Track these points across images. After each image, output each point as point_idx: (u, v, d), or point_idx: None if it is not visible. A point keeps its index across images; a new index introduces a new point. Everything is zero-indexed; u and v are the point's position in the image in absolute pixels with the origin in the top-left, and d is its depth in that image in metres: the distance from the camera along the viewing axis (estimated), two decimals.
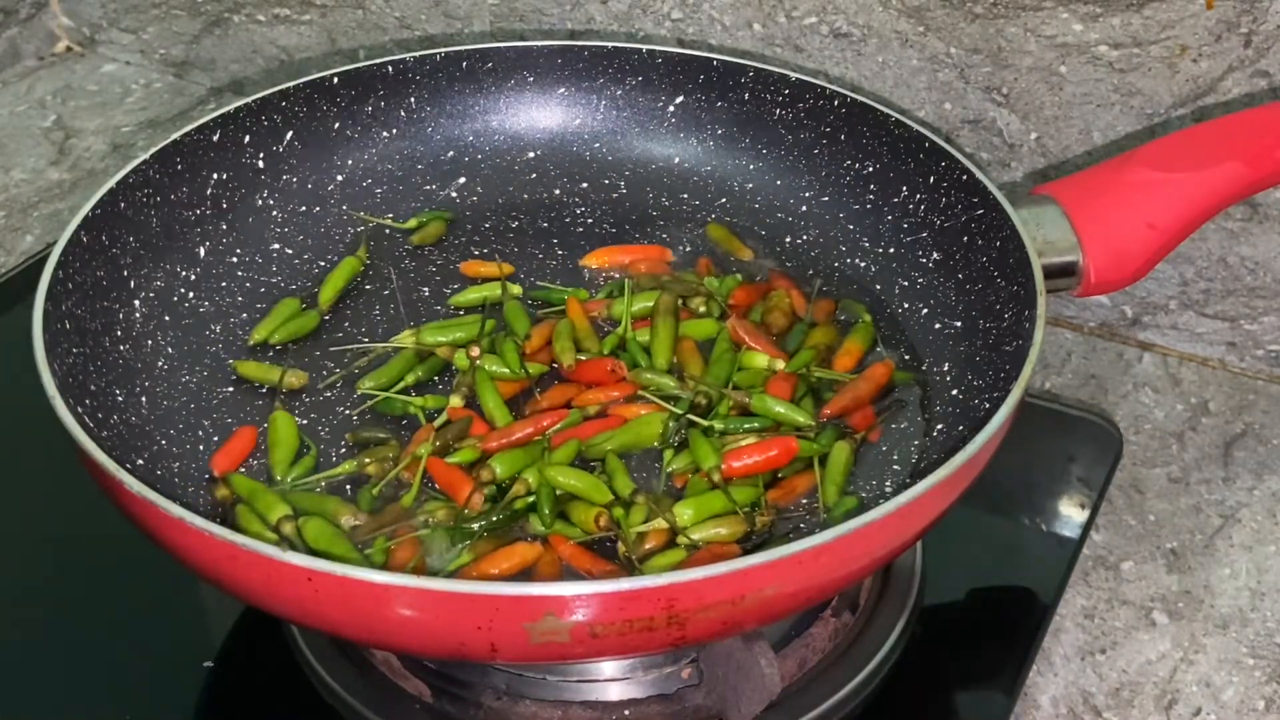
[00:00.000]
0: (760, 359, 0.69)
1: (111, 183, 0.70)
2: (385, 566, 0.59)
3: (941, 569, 0.71)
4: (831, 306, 0.74)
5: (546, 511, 0.61)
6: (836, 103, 0.79)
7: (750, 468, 0.64)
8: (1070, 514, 0.75)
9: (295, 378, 0.70)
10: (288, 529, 0.60)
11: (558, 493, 0.62)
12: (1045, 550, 0.73)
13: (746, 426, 0.65)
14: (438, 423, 0.66)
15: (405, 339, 0.71)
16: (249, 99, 0.78)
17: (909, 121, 0.76)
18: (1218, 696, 0.66)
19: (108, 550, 0.71)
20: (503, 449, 0.64)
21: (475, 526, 0.60)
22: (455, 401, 0.67)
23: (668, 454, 0.65)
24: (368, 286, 0.77)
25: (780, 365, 0.69)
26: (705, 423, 0.65)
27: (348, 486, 0.64)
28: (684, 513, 0.61)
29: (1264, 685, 0.67)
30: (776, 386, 0.67)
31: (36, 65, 1.20)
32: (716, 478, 0.62)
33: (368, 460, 0.64)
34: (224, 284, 0.75)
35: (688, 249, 0.79)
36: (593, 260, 0.78)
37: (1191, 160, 0.70)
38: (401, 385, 0.69)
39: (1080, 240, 0.68)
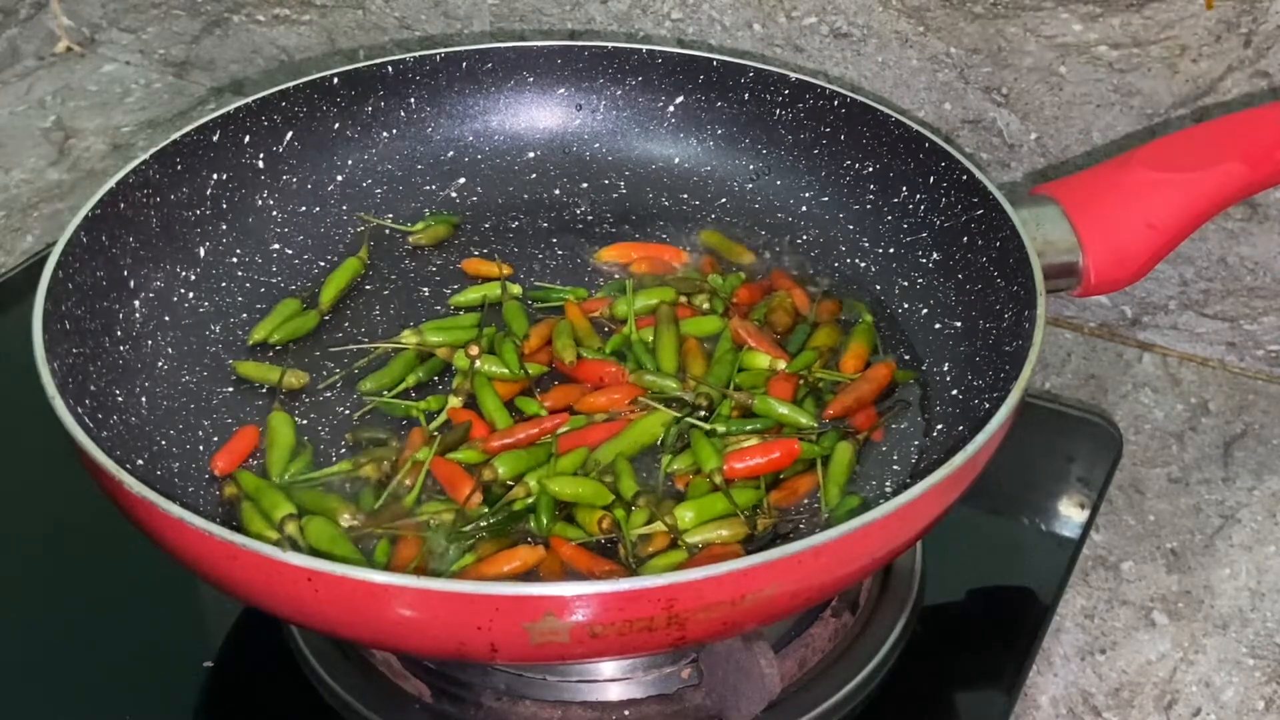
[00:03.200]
0: (762, 359, 0.69)
1: (111, 183, 0.70)
2: (387, 567, 0.59)
3: (941, 569, 0.71)
4: (835, 307, 0.74)
5: (545, 519, 0.61)
6: (836, 103, 0.79)
7: (752, 469, 0.64)
8: (1070, 514, 0.75)
9: (295, 378, 0.70)
10: (290, 528, 0.60)
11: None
12: (1045, 550, 0.73)
13: (749, 428, 0.65)
14: (435, 425, 0.66)
15: (406, 339, 0.71)
16: (249, 99, 0.78)
17: (909, 121, 0.76)
18: (1217, 697, 0.66)
19: (107, 550, 0.71)
20: (505, 449, 0.64)
21: (474, 528, 0.60)
22: (454, 402, 0.67)
23: (666, 456, 0.65)
24: (368, 287, 0.77)
25: (781, 365, 0.69)
26: (707, 425, 0.65)
27: (347, 485, 0.64)
28: (685, 515, 0.61)
29: (1264, 685, 0.67)
30: (778, 387, 0.67)
31: (36, 65, 1.20)
32: (718, 479, 0.62)
33: (364, 460, 0.64)
34: (224, 284, 0.75)
35: (688, 249, 0.79)
36: (608, 255, 0.78)
37: (1191, 160, 0.70)
38: (402, 387, 0.69)
39: (1080, 240, 0.68)
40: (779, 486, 0.64)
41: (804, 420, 0.65)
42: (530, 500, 0.62)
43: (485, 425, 0.66)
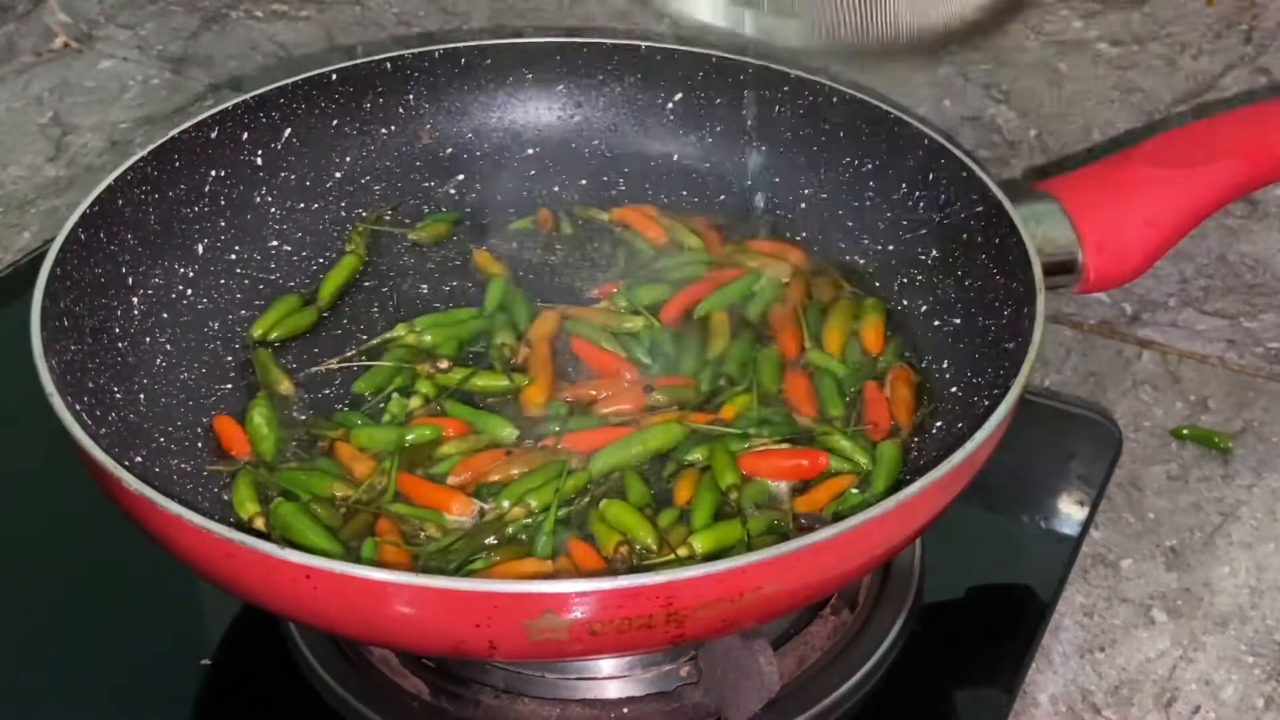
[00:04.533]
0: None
1: (109, 179, 0.70)
2: (379, 562, 0.59)
3: (941, 566, 0.70)
4: (833, 285, 0.75)
5: (547, 543, 0.61)
6: (836, 99, 0.79)
7: (774, 474, 0.64)
8: (1069, 511, 0.75)
9: (284, 386, 0.69)
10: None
11: (562, 514, 0.62)
12: (1044, 548, 0.73)
13: (776, 433, 0.65)
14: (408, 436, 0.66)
15: (399, 334, 0.71)
16: (247, 95, 0.78)
17: (908, 118, 0.76)
18: (1217, 694, 0.66)
19: (105, 548, 0.71)
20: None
21: (471, 546, 0.60)
22: (415, 404, 0.67)
23: (670, 465, 0.65)
24: (366, 283, 0.77)
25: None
26: (738, 430, 0.65)
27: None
28: (698, 546, 0.61)
29: (1263, 683, 0.67)
30: (792, 382, 0.68)
31: (34, 61, 1.19)
32: (735, 497, 0.62)
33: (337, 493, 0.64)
34: (222, 281, 0.75)
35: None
36: (621, 214, 0.80)
37: (1191, 157, 0.70)
38: (393, 386, 0.69)
39: (1080, 237, 0.68)
40: (804, 493, 0.64)
41: (862, 460, 0.64)
42: (528, 520, 0.62)
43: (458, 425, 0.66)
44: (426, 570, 0.59)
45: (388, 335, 0.72)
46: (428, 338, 0.71)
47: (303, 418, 0.68)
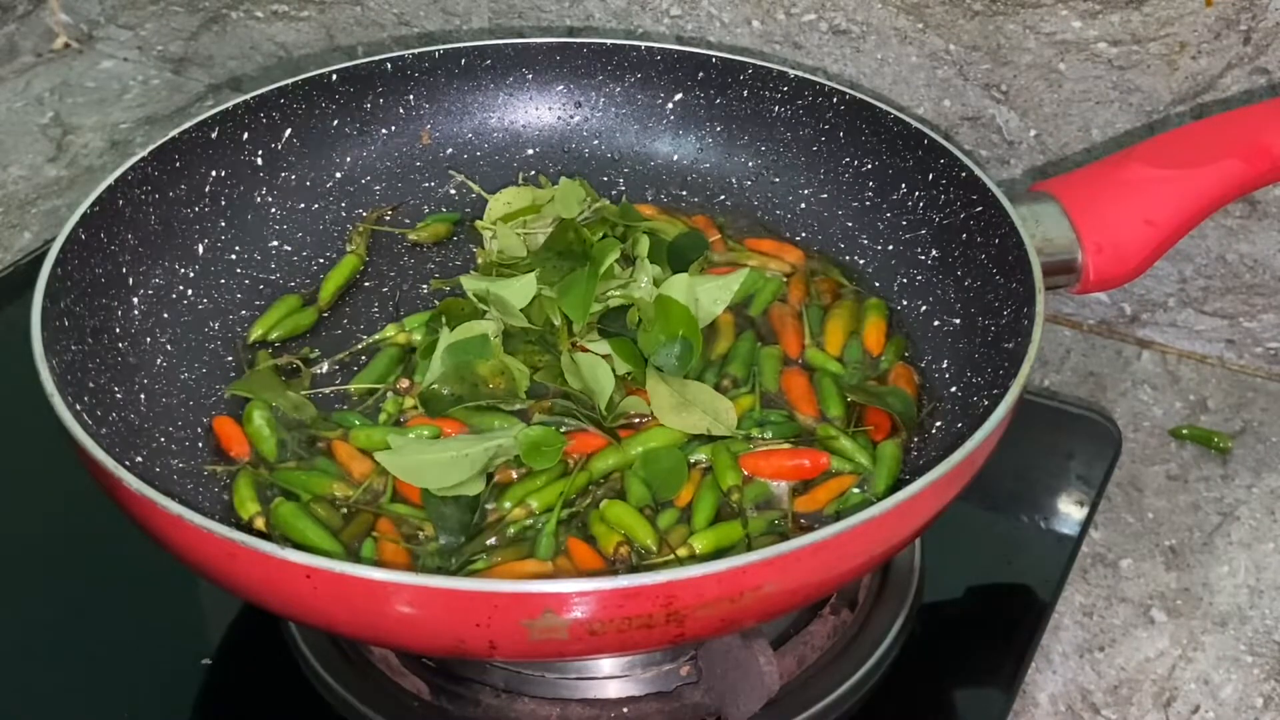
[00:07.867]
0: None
1: (110, 180, 0.70)
2: (379, 562, 0.59)
3: (940, 566, 0.71)
4: (833, 284, 0.75)
5: (548, 544, 0.61)
6: (835, 100, 0.79)
7: (775, 474, 0.64)
8: (1069, 511, 0.75)
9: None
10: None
11: (564, 515, 0.62)
12: (1044, 548, 0.73)
13: (779, 435, 0.65)
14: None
15: (389, 333, 0.71)
16: (247, 96, 0.78)
17: (908, 118, 0.76)
18: (1216, 694, 0.66)
19: (106, 548, 0.71)
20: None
21: (471, 546, 0.61)
22: (409, 404, 0.67)
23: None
24: (367, 283, 0.77)
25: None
26: (741, 431, 0.65)
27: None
28: (698, 546, 0.61)
29: (1262, 683, 0.67)
30: (792, 381, 0.68)
31: (34, 61, 1.20)
32: (735, 497, 0.62)
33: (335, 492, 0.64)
34: (223, 281, 0.75)
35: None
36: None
37: (1190, 157, 0.70)
38: (386, 386, 0.69)
39: (1079, 237, 0.68)
40: (804, 493, 0.64)
41: (863, 460, 0.65)
42: (530, 521, 0.62)
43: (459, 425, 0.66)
44: (426, 570, 0.59)
45: (377, 335, 0.72)
46: (418, 337, 0.71)
47: (302, 418, 0.68)
